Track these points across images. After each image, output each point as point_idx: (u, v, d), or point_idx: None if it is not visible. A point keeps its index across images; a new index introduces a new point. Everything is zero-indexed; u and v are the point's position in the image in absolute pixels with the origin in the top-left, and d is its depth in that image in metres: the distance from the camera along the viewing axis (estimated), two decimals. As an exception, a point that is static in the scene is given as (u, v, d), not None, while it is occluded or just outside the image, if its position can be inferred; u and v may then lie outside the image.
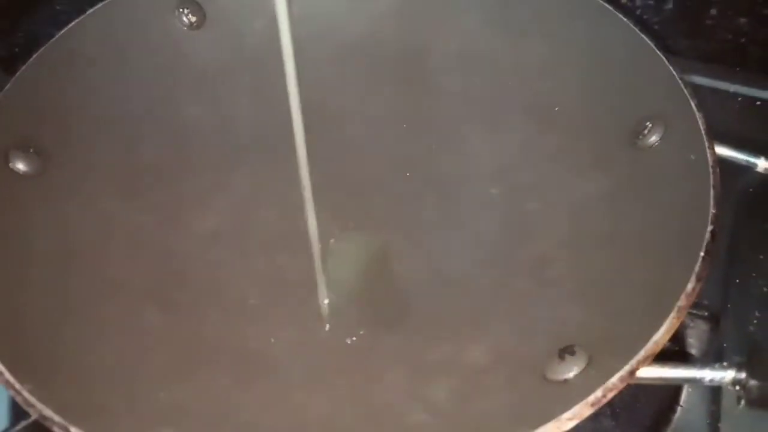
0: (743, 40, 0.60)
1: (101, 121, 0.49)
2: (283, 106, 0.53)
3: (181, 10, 0.52)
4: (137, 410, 0.38)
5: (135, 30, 0.52)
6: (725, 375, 0.35)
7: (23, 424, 0.38)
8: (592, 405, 0.33)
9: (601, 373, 0.34)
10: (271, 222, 0.50)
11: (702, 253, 0.36)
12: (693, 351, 0.46)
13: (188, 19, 0.53)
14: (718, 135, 0.41)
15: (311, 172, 0.50)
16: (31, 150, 0.45)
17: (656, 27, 0.61)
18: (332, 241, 0.48)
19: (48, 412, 0.34)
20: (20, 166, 0.45)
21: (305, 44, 0.53)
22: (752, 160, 0.44)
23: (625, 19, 0.47)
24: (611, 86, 0.47)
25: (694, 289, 0.35)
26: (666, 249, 0.39)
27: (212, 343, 0.44)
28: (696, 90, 0.43)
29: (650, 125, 0.44)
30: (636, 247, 0.41)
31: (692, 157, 0.41)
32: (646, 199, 0.43)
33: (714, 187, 0.39)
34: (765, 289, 0.45)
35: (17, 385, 0.35)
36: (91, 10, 0.50)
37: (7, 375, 0.35)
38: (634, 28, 0.46)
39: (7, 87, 0.46)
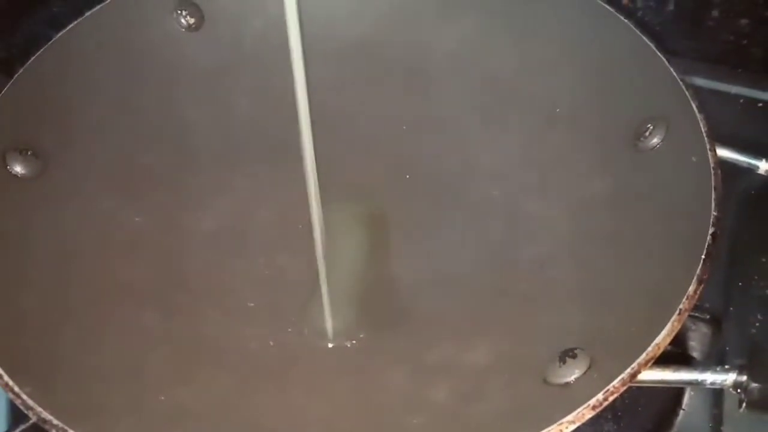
0: (744, 41, 0.60)
1: (100, 123, 0.49)
2: (283, 107, 0.53)
3: (179, 11, 0.52)
4: (137, 413, 0.38)
5: (133, 32, 0.52)
6: (726, 378, 0.35)
7: (22, 427, 0.38)
8: (594, 408, 0.33)
9: (602, 377, 0.34)
10: (270, 223, 0.50)
11: (703, 256, 0.36)
12: (695, 354, 0.46)
13: (186, 21, 0.53)
14: (720, 137, 0.41)
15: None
16: (29, 152, 0.45)
17: (657, 28, 0.61)
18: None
19: (47, 415, 0.34)
20: (18, 168, 0.45)
21: (305, 45, 0.54)
22: (753, 162, 0.44)
23: (626, 21, 0.47)
24: (612, 88, 0.47)
25: (695, 291, 0.35)
26: (667, 251, 0.39)
27: (212, 344, 0.43)
28: (697, 91, 0.43)
29: (651, 127, 0.44)
30: (637, 249, 0.41)
31: (693, 159, 0.41)
32: (648, 201, 0.42)
33: (715, 189, 0.39)
34: (767, 292, 0.45)
35: (16, 388, 0.35)
36: (89, 12, 0.50)
37: (6, 378, 0.35)
38: (635, 29, 0.46)
39: (5, 89, 0.46)
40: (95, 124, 0.49)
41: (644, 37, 0.46)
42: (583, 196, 0.46)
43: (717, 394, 0.43)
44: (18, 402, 0.35)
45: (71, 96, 0.48)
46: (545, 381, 0.37)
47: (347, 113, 0.53)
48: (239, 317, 0.45)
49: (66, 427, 0.34)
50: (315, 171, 0.40)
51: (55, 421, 0.34)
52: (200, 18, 0.53)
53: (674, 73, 0.44)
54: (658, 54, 0.45)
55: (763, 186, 0.48)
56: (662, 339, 0.34)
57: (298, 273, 0.47)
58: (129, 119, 0.50)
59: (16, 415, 0.44)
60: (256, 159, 0.52)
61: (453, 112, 0.53)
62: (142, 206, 0.48)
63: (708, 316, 0.45)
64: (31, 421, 0.36)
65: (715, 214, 0.38)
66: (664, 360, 0.34)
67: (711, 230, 0.37)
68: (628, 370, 0.33)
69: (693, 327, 0.45)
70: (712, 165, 0.40)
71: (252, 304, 0.46)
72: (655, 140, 0.44)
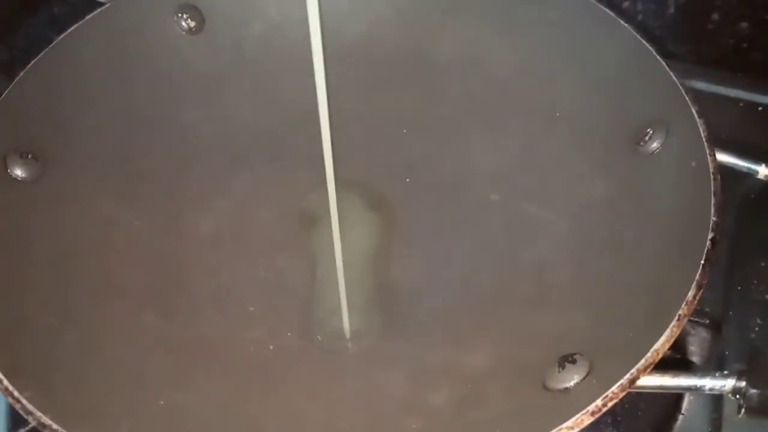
0: (745, 45, 0.60)
1: (100, 126, 0.49)
2: (282, 110, 0.54)
3: (180, 14, 0.52)
4: (136, 416, 0.38)
5: (134, 35, 0.52)
6: (726, 383, 0.35)
7: (21, 431, 0.38)
8: (593, 414, 0.33)
9: (601, 382, 0.34)
10: (270, 226, 0.50)
11: (703, 261, 0.36)
12: (694, 359, 0.46)
13: (187, 24, 0.53)
14: (719, 141, 0.41)
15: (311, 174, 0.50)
16: (30, 155, 0.45)
17: (657, 32, 0.61)
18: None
19: (46, 420, 0.34)
20: (18, 171, 0.45)
21: (304, 47, 0.54)
22: (753, 166, 0.44)
23: (626, 25, 0.47)
24: (612, 92, 0.47)
25: (695, 296, 0.35)
26: (667, 256, 0.39)
27: (211, 348, 0.43)
28: (697, 95, 0.43)
29: (651, 131, 0.44)
30: (637, 253, 0.41)
31: (693, 163, 0.41)
32: (647, 205, 0.42)
33: (715, 194, 0.39)
34: (766, 296, 0.45)
35: (16, 393, 0.35)
36: (90, 15, 0.50)
37: (6, 382, 0.35)
38: (635, 33, 0.46)
39: (5, 92, 0.46)
40: (95, 127, 0.49)
41: (644, 41, 0.46)
42: (583, 201, 0.46)
43: (716, 399, 0.43)
44: (18, 407, 0.35)
45: (72, 99, 0.48)
46: (544, 386, 0.37)
47: (347, 116, 0.53)
48: (239, 321, 0.45)
49: (65, 432, 0.34)
50: (332, 164, 0.40)
51: (55, 426, 0.34)
52: (201, 21, 0.53)
53: (674, 77, 0.44)
54: (658, 58, 0.45)
55: (763, 191, 0.48)
56: (661, 344, 0.34)
57: (297, 277, 0.47)
58: (129, 122, 0.50)
59: (15, 419, 0.44)
60: (255, 162, 0.52)
61: (453, 114, 0.53)
62: (141, 209, 0.48)
63: (707, 321, 0.45)
64: (30, 426, 0.36)
65: (714, 218, 0.38)
66: (663, 365, 0.34)
67: (710, 235, 0.37)
68: (628, 375, 0.33)
69: (692, 332, 0.45)
70: (711, 170, 0.40)
71: (252, 308, 0.46)
72: (655, 144, 0.44)
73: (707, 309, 0.45)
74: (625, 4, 0.61)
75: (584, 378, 0.35)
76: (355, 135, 0.53)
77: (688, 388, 0.36)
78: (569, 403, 0.34)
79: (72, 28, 0.49)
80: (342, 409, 0.40)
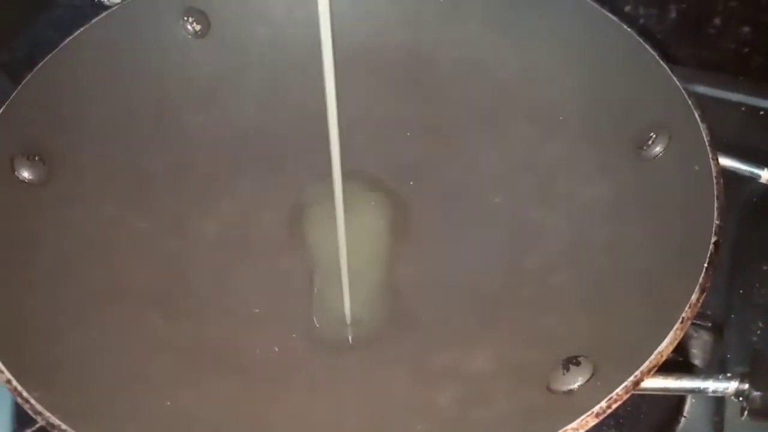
0: (746, 49, 0.61)
1: (106, 129, 0.49)
2: (288, 113, 0.54)
3: (185, 18, 0.52)
4: (142, 417, 0.38)
5: (140, 38, 0.52)
6: (728, 386, 0.35)
7: (27, 431, 0.38)
8: (597, 416, 0.33)
9: (605, 384, 0.34)
10: (275, 228, 0.50)
11: (706, 264, 0.36)
12: (696, 362, 0.46)
13: (193, 27, 0.53)
14: (722, 145, 0.42)
15: (315, 175, 0.50)
16: (37, 158, 0.45)
17: (659, 36, 0.61)
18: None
19: (55, 420, 0.34)
20: (26, 173, 0.45)
21: (308, 51, 0.54)
22: (756, 170, 0.44)
23: (628, 29, 0.47)
24: (614, 96, 0.48)
25: (698, 299, 0.36)
26: (670, 259, 0.39)
27: (216, 349, 0.43)
28: (699, 100, 0.43)
29: (654, 135, 0.44)
30: (640, 257, 0.41)
31: (696, 167, 0.41)
32: (650, 209, 0.43)
33: (717, 197, 0.39)
34: (768, 300, 0.45)
35: (25, 393, 0.35)
36: (95, 19, 0.50)
37: (15, 383, 0.36)
38: (637, 37, 0.46)
39: (12, 95, 0.46)
40: (102, 130, 0.49)
41: (646, 45, 0.46)
42: (586, 204, 0.46)
43: (718, 401, 0.43)
44: (26, 407, 0.35)
45: (78, 102, 0.48)
46: (549, 388, 0.37)
47: (350, 119, 0.53)
48: (244, 322, 0.45)
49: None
50: (339, 165, 0.41)
51: (64, 426, 0.34)
52: (207, 25, 0.53)
53: (676, 82, 0.44)
54: (660, 62, 0.45)
55: (765, 194, 0.48)
56: (665, 347, 0.34)
57: (301, 279, 0.48)
58: (135, 125, 0.50)
59: (21, 420, 0.44)
60: (260, 163, 0.52)
61: (457, 118, 0.53)
62: (147, 211, 0.48)
63: (710, 324, 0.46)
64: (35, 426, 0.36)
65: (717, 222, 0.38)
66: (666, 368, 0.34)
67: (713, 239, 0.37)
68: (631, 377, 0.33)
69: (695, 335, 0.46)
70: (714, 174, 0.40)
71: (257, 310, 0.46)
72: (658, 149, 0.44)
73: (709, 312, 0.46)
74: (627, 9, 0.61)
75: (588, 380, 0.35)
76: (358, 138, 0.53)
77: (691, 391, 0.36)
78: (573, 404, 0.34)
79: (78, 31, 0.49)
80: (347, 410, 0.41)
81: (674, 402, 0.45)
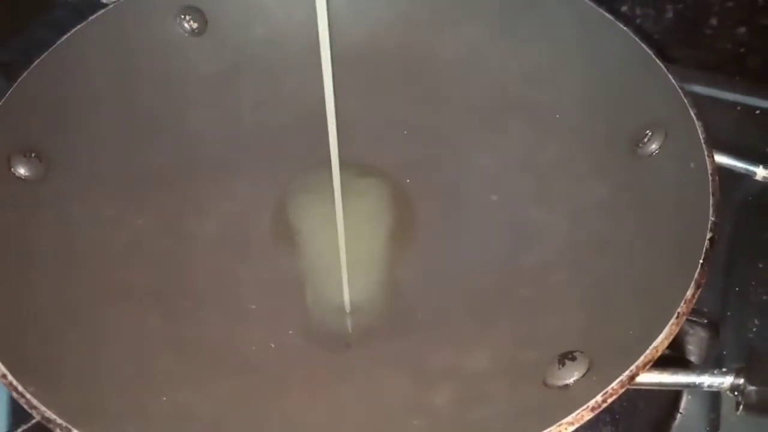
0: (743, 49, 0.61)
1: (103, 127, 0.49)
2: (285, 111, 0.54)
3: (182, 16, 0.53)
4: (139, 414, 0.38)
5: (137, 36, 0.52)
6: (724, 381, 0.35)
7: (24, 427, 0.38)
8: (592, 410, 0.33)
9: (601, 379, 0.34)
10: (271, 226, 0.50)
11: (701, 260, 0.37)
12: (692, 357, 0.46)
13: (190, 26, 0.53)
14: (718, 143, 0.42)
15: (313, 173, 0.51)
16: (34, 155, 0.45)
17: (656, 36, 0.62)
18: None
19: (50, 414, 0.34)
20: (22, 171, 0.45)
21: (306, 50, 0.54)
22: (751, 168, 0.44)
23: (625, 29, 0.47)
24: (611, 95, 0.48)
25: (693, 295, 0.36)
26: (665, 256, 0.39)
27: (214, 347, 0.43)
28: (696, 99, 0.43)
29: (650, 133, 0.44)
30: (636, 253, 0.41)
31: (692, 165, 0.41)
32: (646, 206, 0.43)
33: (713, 195, 0.39)
34: (764, 297, 0.46)
35: (20, 388, 0.35)
36: (92, 17, 0.50)
37: (11, 377, 0.36)
38: (634, 37, 0.47)
39: (9, 92, 0.46)
40: (99, 128, 0.49)
41: (643, 45, 0.46)
42: (583, 202, 0.46)
43: (714, 397, 0.43)
44: (22, 401, 0.35)
45: (75, 99, 0.48)
46: (545, 383, 0.37)
47: (348, 118, 0.53)
48: (241, 320, 0.45)
49: (70, 426, 0.34)
50: (337, 161, 0.42)
51: (59, 420, 0.34)
52: (203, 23, 0.53)
53: (673, 81, 0.44)
54: (657, 61, 0.45)
55: (761, 192, 0.48)
56: (660, 342, 0.34)
57: (298, 277, 0.48)
58: (132, 123, 0.51)
59: (18, 416, 0.44)
60: (258, 163, 0.52)
61: (453, 117, 0.53)
62: (144, 209, 0.48)
63: (706, 320, 0.46)
64: (32, 422, 0.36)
65: (712, 219, 0.38)
66: (662, 363, 0.35)
67: (709, 235, 0.37)
68: (627, 372, 0.33)
69: (691, 331, 0.46)
70: (710, 171, 0.40)
71: (253, 307, 0.46)
72: (654, 146, 0.44)
73: (706, 309, 0.46)
74: (624, 9, 0.61)
75: (584, 375, 0.36)
76: (356, 137, 0.53)
77: (687, 385, 0.36)
78: (569, 399, 0.34)
79: (75, 29, 0.49)
80: (343, 408, 0.40)
81: (670, 398, 0.45)
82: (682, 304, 0.35)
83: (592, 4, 0.49)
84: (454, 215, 0.50)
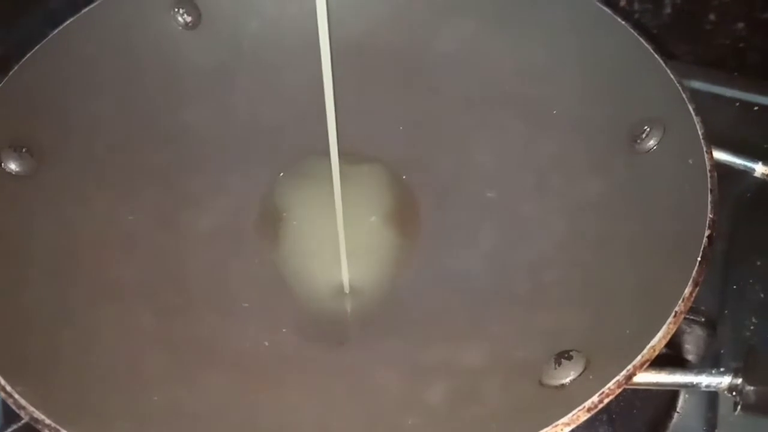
0: (742, 45, 0.61)
1: (95, 121, 0.49)
2: (280, 105, 0.53)
3: (176, 9, 0.52)
4: (131, 413, 0.38)
5: (130, 29, 0.51)
6: (721, 380, 0.35)
7: (14, 426, 0.38)
8: (589, 410, 0.33)
9: (597, 378, 0.34)
10: (264, 223, 0.50)
11: (699, 258, 0.36)
12: (690, 357, 0.46)
13: (184, 19, 0.52)
14: (716, 140, 0.41)
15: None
16: (24, 150, 0.45)
17: (655, 31, 0.61)
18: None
19: (39, 415, 0.34)
20: (13, 166, 0.44)
21: (302, 45, 0.53)
22: (750, 165, 0.44)
23: (623, 23, 0.47)
24: (610, 90, 0.47)
25: (691, 293, 0.35)
26: (663, 253, 0.39)
27: (207, 345, 0.43)
28: (694, 94, 0.43)
29: (648, 129, 0.44)
30: (633, 251, 0.41)
31: (690, 161, 0.41)
32: (644, 203, 0.42)
33: (711, 191, 0.39)
34: (762, 295, 0.45)
35: (8, 387, 0.35)
36: (85, 9, 0.49)
37: (-2, 376, 0.35)
38: (632, 32, 0.46)
39: (0, 86, 0.45)
40: (91, 122, 0.48)
41: (642, 40, 0.46)
42: (580, 198, 0.46)
43: (712, 397, 0.43)
44: (10, 401, 0.35)
45: (67, 93, 0.48)
46: (541, 382, 0.36)
47: (344, 113, 0.53)
48: (234, 317, 0.45)
49: (59, 427, 0.34)
50: (337, 155, 0.42)
51: (47, 421, 0.34)
52: (197, 16, 0.53)
53: (671, 76, 0.44)
54: (656, 57, 0.45)
55: (759, 189, 0.48)
56: (657, 341, 0.34)
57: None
58: (125, 117, 0.50)
59: (8, 415, 0.44)
60: (252, 158, 0.52)
61: (450, 113, 0.53)
62: (137, 205, 0.48)
63: (703, 319, 0.45)
64: (23, 421, 0.36)
65: (710, 216, 0.38)
66: (659, 362, 0.34)
67: (707, 233, 0.37)
68: (624, 372, 0.33)
69: (688, 330, 0.45)
70: (708, 167, 0.40)
71: (246, 305, 0.46)
72: (652, 142, 0.44)
73: (703, 307, 0.46)
74: (623, 4, 0.61)
75: (580, 374, 0.35)
76: (351, 132, 0.53)
77: (684, 385, 0.36)
78: (565, 399, 0.34)
79: (67, 22, 0.49)
80: (337, 405, 0.40)
81: (668, 397, 0.45)
82: (679, 302, 0.35)
83: (590, -1, 0.49)
84: (451, 211, 0.50)
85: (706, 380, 0.35)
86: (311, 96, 0.49)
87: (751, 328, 0.44)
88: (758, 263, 0.46)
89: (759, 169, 0.44)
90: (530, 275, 0.44)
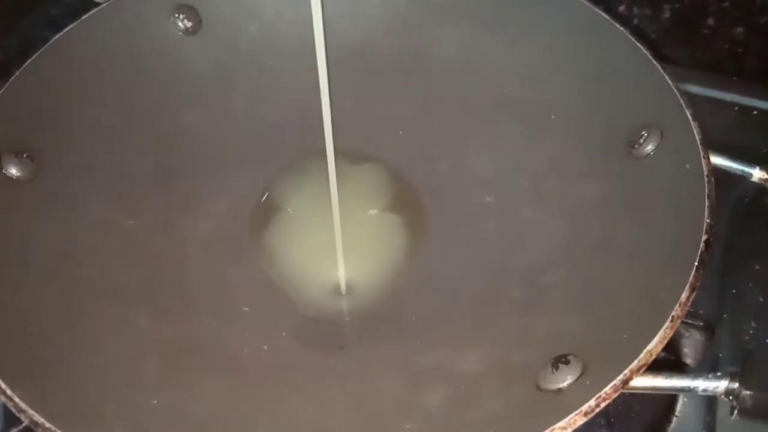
0: (739, 49, 0.61)
1: (95, 126, 0.49)
2: (279, 110, 0.54)
3: (176, 15, 0.52)
4: (130, 416, 0.38)
5: (130, 35, 0.52)
6: (719, 385, 0.35)
7: (14, 430, 0.38)
8: (586, 414, 0.33)
9: (594, 383, 0.34)
10: (263, 227, 0.50)
11: (696, 263, 0.36)
12: (687, 361, 0.46)
13: (184, 25, 0.53)
14: (714, 144, 0.42)
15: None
16: (25, 155, 0.45)
17: (653, 36, 0.61)
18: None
19: (39, 418, 0.34)
20: (13, 171, 0.45)
21: (301, 50, 0.54)
22: (747, 169, 0.44)
23: (621, 28, 0.47)
24: (607, 95, 0.47)
25: (688, 298, 0.35)
26: (660, 258, 0.39)
27: (205, 349, 0.43)
28: (692, 99, 0.43)
29: (646, 134, 0.44)
30: (631, 255, 0.41)
31: (687, 166, 0.41)
32: (641, 207, 0.42)
33: (709, 196, 0.39)
34: (760, 299, 0.45)
35: (8, 391, 0.35)
36: (86, 15, 0.50)
37: (-1, 380, 0.35)
38: (630, 37, 0.46)
39: (0, 91, 0.45)
40: (91, 127, 0.49)
41: (639, 45, 0.46)
42: (578, 203, 0.46)
43: (710, 401, 0.43)
44: (10, 405, 0.35)
45: (67, 99, 0.48)
46: (538, 387, 0.36)
47: (343, 117, 0.53)
48: (233, 321, 0.45)
49: (58, 430, 0.34)
50: (333, 159, 0.42)
51: (48, 424, 0.34)
52: (197, 22, 0.53)
53: (669, 81, 0.44)
54: (653, 61, 0.45)
55: (757, 194, 0.48)
56: (655, 346, 0.34)
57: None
58: (125, 122, 0.50)
59: (8, 418, 0.44)
60: (252, 161, 0.52)
61: (449, 117, 0.53)
62: (137, 209, 0.48)
63: (701, 323, 0.46)
64: (23, 425, 0.36)
65: (708, 221, 0.38)
66: (656, 367, 0.34)
67: (704, 237, 0.37)
68: (621, 376, 0.33)
69: (686, 334, 0.46)
70: (705, 172, 0.40)
71: (246, 309, 0.46)
72: (650, 147, 0.44)
73: (701, 312, 0.46)
74: (621, 9, 0.61)
75: (577, 379, 0.35)
76: (350, 137, 0.53)
77: (682, 390, 0.36)
78: (562, 403, 0.34)
79: (68, 27, 0.49)
80: (335, 410, 0.40)
81: (666, 401, 0.45)
82: (677, 307, 0.35)
83: (588, 4, 0.49)
84: (449, 216, 0.50)
85: (703, 385, 0.35)
86: (310, 100, 0.49)
87: (750, 332, 0.44)
88: (756, 267, 0.46)
89: (756, 173, 0.44)
90: (527, 279, 0.44)
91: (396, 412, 0.39)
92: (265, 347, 0.44)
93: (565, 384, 0.35)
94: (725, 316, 0.45)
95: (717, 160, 0.43)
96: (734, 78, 0.58)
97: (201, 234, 0.49)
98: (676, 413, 0.44)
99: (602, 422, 0.45)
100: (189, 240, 0.48)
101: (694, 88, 0.55)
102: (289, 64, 0.53)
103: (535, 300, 0.43)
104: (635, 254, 0.41)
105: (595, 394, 0.33)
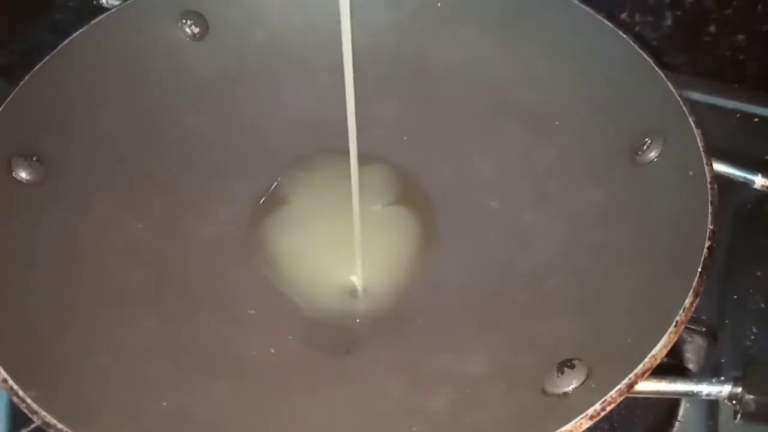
0: (741, 56, 0.61)
1: (104, 130, 0.49)
2: (285, 116, 0.54)
3: (183, 21, 0.53)
4: (138, 418, 0.38)
5: (137, 40, 0.52)
6: (722, 389, 0.36)
7: (24, 431, 0.38)
8: (591, 418, 0.33)
9: (599, 387, 0.34)
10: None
11: (699, 269, 0.37)
12: (690, 365, 0.46)
13: (191, 30, 0.53)
14: (716, 151, 0.42)
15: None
16: (34, 158, 0.45)
17: (655, 43, 0.62)
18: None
19: (51, 419, 0.34)
20: (23, 174, 0.45)
21: (305, 56, 0.54)
22: (749, 176, 0.44)
23: (624, 36, 0.47)
24: (610, 101, 0.48)
25: (692, 303, 0.36)
26: (664, 264, 0.39)
27: (212, 351, 0.43)
28: (694, 106, 0.43)
29: (649, 141, 0.44)
30: (634, 261, 0.41)
31: (690, 173, 0.41)
32: (645, 214, 0.43)
33: (711, 203, 0.39)
34: (762, 305, 0.46)
35: (21, 392, 0.35)
36: (94, 21, 0.50)
37: (11, 382, 0.36)
38: (633, 44, 0.47)
39: (11, 96, 0.46)
40: (99, 131, 0.49)
41: (642, 52, 0.46)
42: (581, 209, 0.46)
43: (712, 405, 0.43)
44: (23, 406, 0.35)
45: (76, 103, 0.48)
46: (543, 391, 0.37)
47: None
48: (240, 324, 0.45)
49: (69, 431, 0.34)
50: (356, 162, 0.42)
51: (59, 425, 0.34)
52: (205, 27, 0.53)
53: (671, 88, 0.44)
54: (656, 69, 0.45)
55: (759, 200, 0.48)
56: (659, 350, 0.34)
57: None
58: (133, 126, 0.50)
59: (16, 420, 0.44)
60: (257, 165, 0.52)
61: (453, 123, 0.53)
62: (144, 213, 0.48)
63: (704, 329, 0.46)
64: (32, 426, 0.36)
65: (711, 227, 0.38)
66: (660, 371, 0.35)
67: (707, 243, 0.37)
68: (626, 380, 0.34)
69: (689, 339, 0.46)
70: (708, 179, 0.40)
71: (253, 312, 0.46)
72: (653, 154, 0.44)
73: (704, 317, 0.46)
74: (623, 16, 0.61)
75: (583, 383, 0.36)
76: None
77: (685, 394, 0.36)
78: (568, 407, 0.34)
79: (77, 32, 0.49)
80: (342, 413, 0.41)
81: (669, 406, 0.45)
82: (680, 312, 0.35)
83: (591, 11, 0.49)
84: (453, 221, 0.50)
85: (706, 389, 0.36)
86: (316, 105, 0.50)
87: (752, 337, 0.45)
88: (758, 273, 0.47)
89: (759, 180, 0.44)
90: (532, 284, 0.44)
91: (402, 415, 0.40)
92: (272, 350, 0.44)
93: (570, 388, 0.36)
94: (727, 321, 0.46)
95: (719, 166, 0.43)
96: (736, 85, 0.59)
97: (207, 236, 0.49)
98: (679, 418, 0.44)
99: (606, 426, 0.45)
100: (195, 242, 0.49)
101: (695, 95, 0.55)
102: (294, 71, 0.53)
103: (540, 304, 0.43)
104: (639, 260, 0.41)
105: (601, 397, 0.33)
